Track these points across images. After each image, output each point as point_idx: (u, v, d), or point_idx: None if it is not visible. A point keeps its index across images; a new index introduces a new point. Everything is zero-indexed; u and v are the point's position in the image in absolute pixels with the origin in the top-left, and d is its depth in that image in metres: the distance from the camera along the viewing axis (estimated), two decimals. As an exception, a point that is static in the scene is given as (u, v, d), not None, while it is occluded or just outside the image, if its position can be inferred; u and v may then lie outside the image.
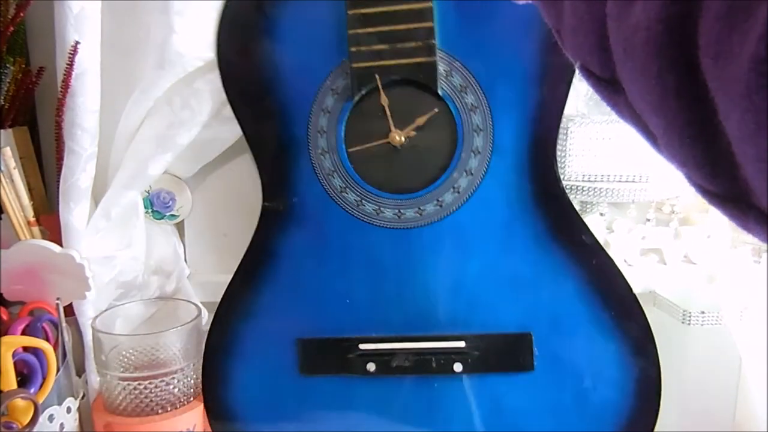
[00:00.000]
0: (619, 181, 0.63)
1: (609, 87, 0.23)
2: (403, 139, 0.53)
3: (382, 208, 0.54)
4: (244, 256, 0.57)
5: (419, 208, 0.54)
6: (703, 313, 0.61)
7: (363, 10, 0.51)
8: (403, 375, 0.55)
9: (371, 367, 0.55)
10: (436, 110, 0.53)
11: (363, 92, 0.53)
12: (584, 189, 0.63)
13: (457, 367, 0.54)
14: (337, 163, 0.54)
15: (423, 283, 0.54)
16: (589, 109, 0.65)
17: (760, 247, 0.65)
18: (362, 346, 0.55)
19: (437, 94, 0.53)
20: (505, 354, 0.54)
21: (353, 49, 0.52)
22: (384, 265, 0.55)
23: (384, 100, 0.52)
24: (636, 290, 0.66)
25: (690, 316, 0.61)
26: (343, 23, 0.52)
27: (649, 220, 0.68)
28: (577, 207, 0.67)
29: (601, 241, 0.66)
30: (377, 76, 0.52)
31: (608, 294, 0.53)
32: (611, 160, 0.62)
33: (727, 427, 0.63)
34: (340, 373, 0.56)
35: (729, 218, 0.20)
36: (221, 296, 0.58)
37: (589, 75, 0.24)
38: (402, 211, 0.54)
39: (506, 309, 0.54)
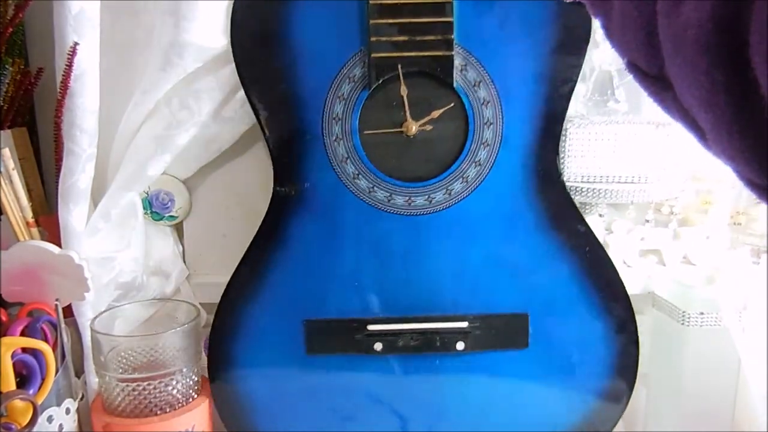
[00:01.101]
0: (618, 182, 0.63)
1: (657, 83, 0.23)
2: (416, 129, 0.55)
3: (393, 195, 0.56)
4: (254, 239, 0.58)
5: (429, 196, 0.56)
6: (702, 314, 0.61)
7: (385, 1, 0.53)
8: (407, 354, 0.58)
9: (378, 346, 0.58)
10: (452, 104, 0.55)
11: (380, 81, 0.54)
12: (583, 190, 0.63)
13: (459, 345, 0.57)
14: (351, 150, 0.56)
15: (429, 266, 0.57)
16: (588, 110, 0.65)
17: (759, 248, 0.65)
18: (370, 327, 0.57)
19: (451, 86, 0.54)
20: (503, 333, 0.58)
21: (373, 39, 0.53)
22: (393, 249, 0.57)
23: (404, 90, 0.54)
24: (635, 291, 0.66)
25: (689, 317, 0.61)
26: (362, 12, 0.53)
27: (648, 221, 0.68)
28: (576, 208, 0.67)
29: (600, 242, 0.67)
30: (399, 67, 0.53)
31: (598, 278, 0.57)
32: (610, 161, 0.62)
33: (725, 428, 0.63)
34: (347, 353, 0.58)
35: None
36: (230, 276, 0.59)
37: (637, 71, 0.24)
38: (412, 198, 0.56)
39: (506, 291, 0.57)
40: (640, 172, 0.63)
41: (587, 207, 0.67)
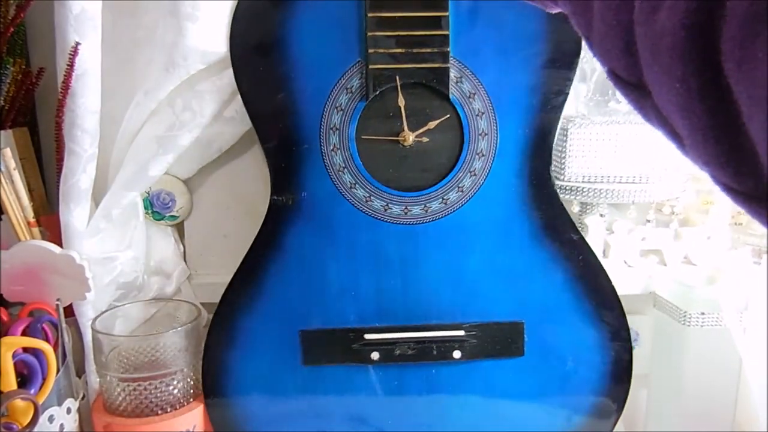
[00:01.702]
0: (619, 182, 0.63)
1: (636, 91, 0.24)
2: (413, 139, 0.55)
3: (390, 205, 0.56)
4: (250, 249, 0.58)
5: (425, 206, 0.56)
6: (703, 314, 0.61)
7: (383, 14, 0.53)
8: (404, 363, 0.58)
9: (375, 356, 0.57)
10: (448, 116, 0.55)
11: (377, 92, 0.55)
12: (584, 190, 0.63)
13: (456, 354, 0.57)
14: (348, 159, 0.56)
15: (426, 276, 0.57)
16: (589, 110, 0.65)
17: (760, 249, 0.65)
18: (367, 336, 0.57)
19: (446, 98, 0.55)
20: (499, 341, 0.58)
21: (371, 50, 0.54)
22: (389, 259, 0.57)
23: (401, 101, 0.55)
24: (636, 291, 0.66)
25: (690, 318, 0.61)
26: (360, 24, 0.54)
27: (649, 221, 0.68)
28: (577, 208, 0.67)
29: (601, 242, 0.67)
30: (398, 78, 0.54)
31: (592, 285, 0.58)
32: (611, 161, 0.63)
33: (726, 428, 0.63)
34: (344, 363, 0.58)
35: (752, 216, 0.21)
36: (225, 288, 0.58)
37: (617, 79, 0.25)
38: (409, 207, 0.56)
39: (502, 300, 0.58)
40: (641, 172, 0.63)
41: (588, 207, 0.67)
